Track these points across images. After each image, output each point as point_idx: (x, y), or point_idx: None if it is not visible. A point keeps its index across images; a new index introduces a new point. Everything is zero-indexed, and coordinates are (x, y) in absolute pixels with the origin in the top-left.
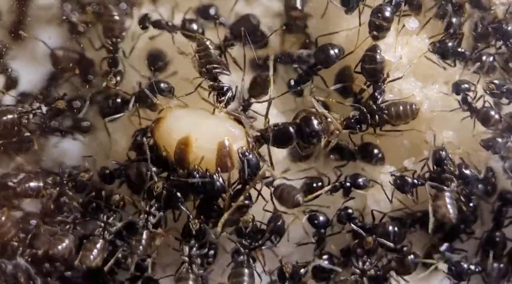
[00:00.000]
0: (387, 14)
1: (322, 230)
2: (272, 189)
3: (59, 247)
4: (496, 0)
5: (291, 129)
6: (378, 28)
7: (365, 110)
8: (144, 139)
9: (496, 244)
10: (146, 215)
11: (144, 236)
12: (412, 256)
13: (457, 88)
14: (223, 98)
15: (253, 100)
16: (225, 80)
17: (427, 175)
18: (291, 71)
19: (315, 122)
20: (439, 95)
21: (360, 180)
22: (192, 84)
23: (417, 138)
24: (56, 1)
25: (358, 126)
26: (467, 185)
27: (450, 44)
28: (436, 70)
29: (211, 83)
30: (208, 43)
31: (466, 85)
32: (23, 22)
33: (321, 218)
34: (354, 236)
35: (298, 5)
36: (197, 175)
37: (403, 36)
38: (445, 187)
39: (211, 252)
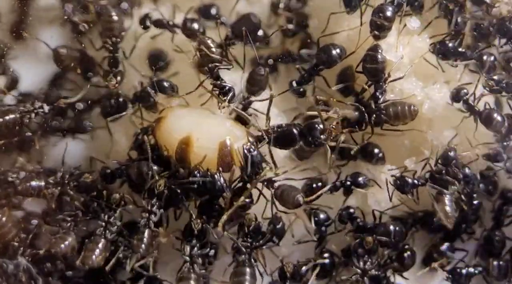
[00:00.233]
0: (389, 13)
1: (323, 228)
2: (273, 190)
3: (62, 245)
4: None
5: (295, 131)
6: (380, 27)
7: (363, 109)
8: (146, 137)
9: (496, 243)
10: (147, 214)
11: (146, 235)
12: (408, 252)
13: (456, 96)
14: (225, 97)
15: (253, 98)
16: (225, 79)
17: (427, 175)
18: (292, 70)
19: (318, 127)
20: (440, 95)
21: (360, 179)
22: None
23: (418, 138)
24: (57, 1)
25: (357, 125)
26: (469, 184)
27: (450, 44)
28: (437, 70)
29: (214, 81)
30: (209, 41)
31: (465, 90)
32: (25, 22)
33: (322, 216)
34: (355, 235)
35: (281, 5)
36: (198, 175)
37: (405, 35)
38: (445, 191)
39: (212, 251)
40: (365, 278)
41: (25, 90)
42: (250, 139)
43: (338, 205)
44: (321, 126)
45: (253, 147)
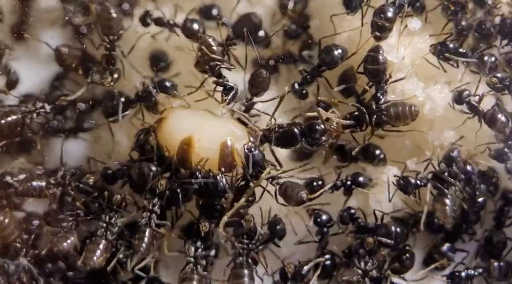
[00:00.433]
0: (390, 14)
1: (325, 229)
2: (277, 186)
3: (64, 244)
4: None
5: (296, 131)
6: (381, 28)
7: (364, 110)
8: (150, 137)
9: (497, 244)
10: (148, 214)
11: (147, 234)
12: (407, 254)
13: (458, 98)
14: (226, 97)
15: (255, 99)
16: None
17: (429, 175)
18: (293, 71)
19: (319, 128)
20: (441, 95)
21: (361, 178)
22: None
23: (419, 138)
24: (58, 3)
25: (358, 126)
26: (471, 182)
27: (451, 45)
28: (439, 70)
29: (216, 79)
30: (210, 40)
31: (467, 92)
32: (26, 22)
33: (324, 217)
34: (356, 236)
35: (290, 5)
36: (200, 176)
37: (406, 36)
38: (446, 191)
39: (213, 252)
40: (366, 278)
41: (26, 91)
42: (252, 139)
43: (339, 206)
44: (322, 126)
45: (254, 146)
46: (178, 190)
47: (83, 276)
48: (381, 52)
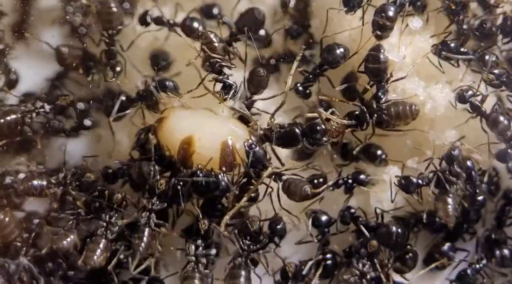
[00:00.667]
0: (391, 13)
1: (326, 230)
2: (280, 183)
3: (64, 242)
4: None
5: (297, 131)
6: (382, 27)
7: (364, 109)
8: (150, 136)
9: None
10: (148, 213)
11: (146, 234)
12: (410, 254)
13: (462, 97)
14: (226, 95)
15: (255, 97)
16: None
17: (431, 175)
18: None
19: (320, 128)
20: (442, 95)
21: (362, 176)
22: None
23: (420, 138)
24: (59, 2)
25: (359, 125)
26: (472, 178)
27: (452, 44)
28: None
29: (216, 76)
30: (212, 35)
31: (470, 92)
32: (26, 21)
33: (323, 218)
34: (358, 236)
35: (292, 4)
36: (201, 175)
37: (407, 35)
38: (448, 189)
39: (214, 251)
40: (364, 280)
41: (26, 90)
42: (253, 137)
43: (339, 205)
44: (323, 126)
45: (254, 143)
46: (179, 189)
47: (83, 275)
48: (382, 51)
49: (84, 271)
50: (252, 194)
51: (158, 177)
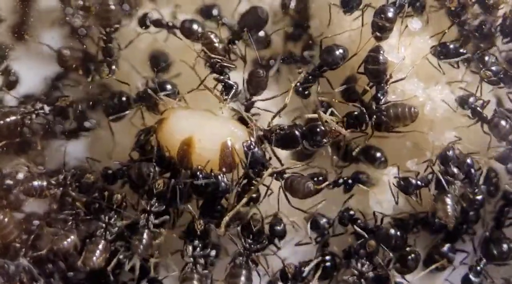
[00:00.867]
0: (390, 15)
1: (325, 232)
2: (283, 181)
3: (64, 242)
4: None
5: (297, 133)
6: (381, 29)
7: (364, 110)
8: (151, 138)
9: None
10: (146, 215)
11: (145, 235)
12: (412, 255)
13: (463, 103)
14: (227, 96)
15: (254, 98)
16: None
17: (430, 176)
18: (294, 71)
19: (320, 129)
20: (441, 96)
21: (362, 175)
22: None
23: (420, 139)
24: (58, 3)
25: (358, 126)
26: (470, 180)
27: (451, 46)
28: (439, 71)
29: (217, 76)
30: (212, 36)
31: (472, 99)
32: (26, 22)
33: (321, 222)
34: (357, 237)
35: (292, 5)
36: (201, 176)
37: (406, 37)
38: (447, 190)
39: (213, 252)
40: (362, 280)
41: (26, 91)
42: (252, 138)
43: (339, 205)
44: (323, 128)
45: (253, 144)
46: (178, 190)
47: (83, 276)
48: (381, 52)
49: (83, 272)
50: (253, 195)
51: (157, 177)
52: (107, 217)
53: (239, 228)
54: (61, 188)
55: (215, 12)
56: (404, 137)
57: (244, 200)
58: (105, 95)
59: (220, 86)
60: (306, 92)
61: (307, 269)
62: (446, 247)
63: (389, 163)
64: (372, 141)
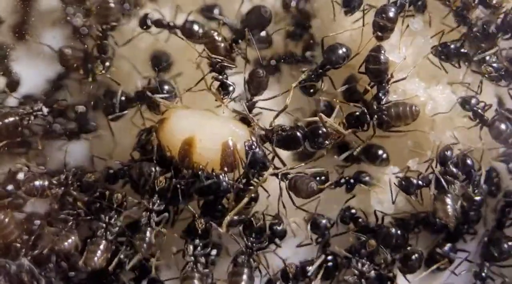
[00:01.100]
0: (391, 14)
1: (326, 232)
2: (286, 181)
3: (65, 243)
4: None
5: (299, 134)
6: (382, 28)
7: (365, 110)
8: (152, 137)
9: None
10: (148, 213)
11: (148, 234)
12: (416, 254)
13: (466, 104)
14: (226, 95)
15: (256, 98)
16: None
17: (431, 176)
18: (295, 71)
19: (321, 131)
20: (443, 95)
21: (363, 175)
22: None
23: (421, 138)
24: (59, 2)
25: (360, 126)
26: (470, 180)
27: (452, 45)
28: (440, 71)
29: (216, 75)
30: (215, 35)
31: (474, 100)
32: (27, 22)
33: (321, 223)
34: (358, 236)
35: (293, 3)
36: (203, 176)
37: (407, 36)
38: (447, 189)
39: (214, 252)
40: (363, 280)
41: (27, 91)
42: (253, 138)
43: (340, 205)
44: (324, 130)
45: (255, 144)
46: (179, 189)
47: (84, 276)
48: (382, 52)
49: (85, 272)
50: (253, 195)
51: (158, 174)
52: (107, 217)
53: (241, 228)
54: (62, 188)
55: (216, 12)
56: (406, 136)
57: (246, 199)
58: (102, 93)
59: (219, 86)
60: (311, 90)
61: (311, 269)
62: (447, 247)
63: (390, 163)
64: (374, 141)
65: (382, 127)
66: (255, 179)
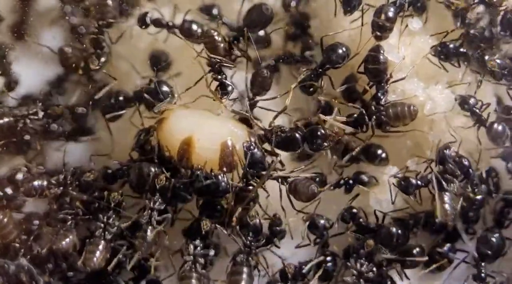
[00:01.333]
0: (390, 14)
1: (325, 232)
2: (287, 184)
3: (63, 242)
4: None
5: (298, 136)
6: (381, 28)
7: (363, 112)
8: (152, 137)
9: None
10: (149, 211)
11: (148, 232)
12: (418, 248)
13: (464, 104)
14: (225, 96)
15: (257, 98)
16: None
17: (429, 176)
18: (294, 71)
19: (320, 133)
20: (442, 95)
21: (363, 176)
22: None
23: (420, 138)
24: (58, 2)
25: (359, 127)
26: (469, 180)
27: (451, 45)
28: (439, 70)
29: (215, 75)
30: (215, 34)
31: (473, 101)
32: (26, 22)
33: (320, 223)
34: (357, 236)
35: (293, 3)
36: (202, 176)
37: (406, 36)
38: (445, 188)
39: (212, 252)
40: (361, 280)
41: (27, 91)
42: (252, 138)
43: (339, 205)
44: (323, 131)
45: (253, 144)
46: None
47: (83, 276)
48: (381, 52)
49: (83, 272)
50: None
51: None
52: (105, 217)
53: (237, 227)
54: (61, 188)
55: (215, 11)
56: (404, 136)
57: (247, 199)
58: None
59: (218, 86)
60: (311, 89)
61: (306, 268)
62: (446, 247)
63: (389, 163)
64: (373, 141)
65: (381, 128)
66: (254, 181)
